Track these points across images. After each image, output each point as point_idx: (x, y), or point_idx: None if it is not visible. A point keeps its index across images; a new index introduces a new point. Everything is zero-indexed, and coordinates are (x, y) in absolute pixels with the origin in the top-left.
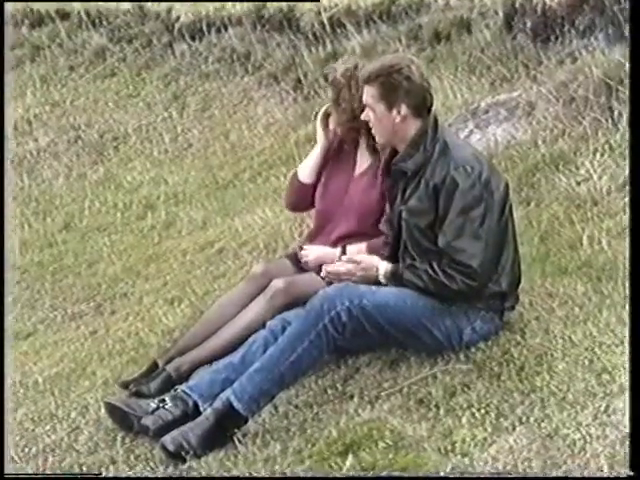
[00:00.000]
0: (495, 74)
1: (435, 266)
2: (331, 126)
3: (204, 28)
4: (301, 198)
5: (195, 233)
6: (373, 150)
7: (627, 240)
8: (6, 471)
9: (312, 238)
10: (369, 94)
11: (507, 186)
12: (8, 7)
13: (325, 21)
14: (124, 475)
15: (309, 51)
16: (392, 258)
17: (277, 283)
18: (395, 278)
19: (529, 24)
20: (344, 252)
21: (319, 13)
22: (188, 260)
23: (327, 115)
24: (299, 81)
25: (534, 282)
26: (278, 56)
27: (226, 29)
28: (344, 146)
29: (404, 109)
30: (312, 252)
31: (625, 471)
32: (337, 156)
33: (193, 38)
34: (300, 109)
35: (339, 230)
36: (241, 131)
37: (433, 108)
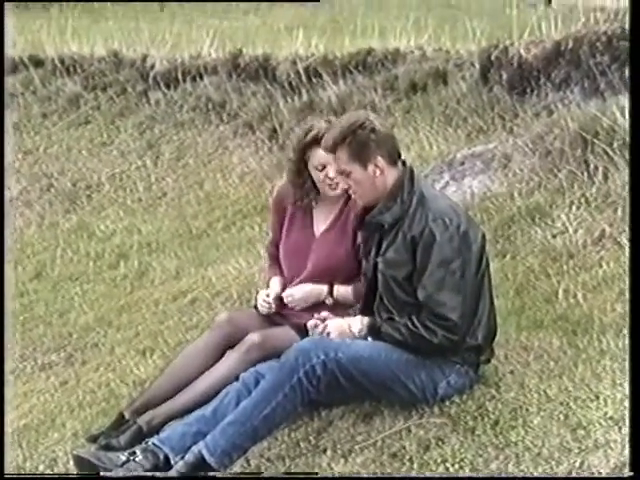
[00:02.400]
0: (471, 125)
1: (415, 320)
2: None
3: (179, 76)
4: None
5: (168, 283)
6: (331, 207)
7: (603, 293)
8: (6, 471)
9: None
10: (341, 160)
11: (484, 238)
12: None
13: (301, 71)
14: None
15: (285, 100)
16: (366, 311)
17: (252, 337)
18: (373, 331)
19: (505, 76)
20: (331, 290)
21: (295, 62)
22: (160, 310)
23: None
24: (274, 130)
25: (509, 335)
26: (254, 105)
27: (201, 78)
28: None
29: (380, 161)
30: (298, 292)
31: (625, 471)
32: (293, 219)
33: (168, 86)
34: (275, 159)
35: (304, 282)
36: (215, 180)
37: (409, 161)
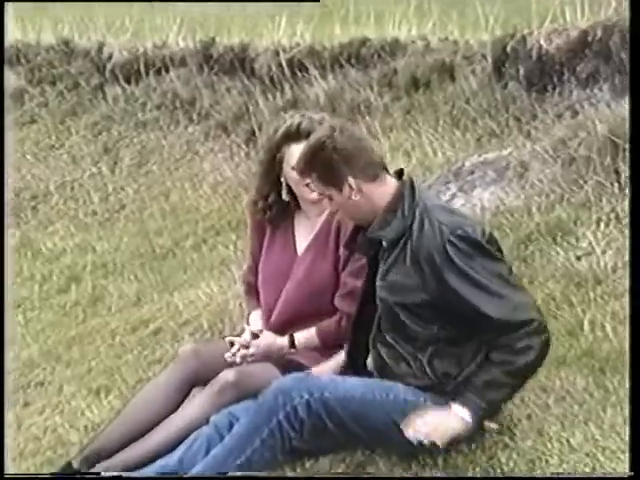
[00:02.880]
0: (482, 128)
1: (500, 352)
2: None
3: (141, 69)
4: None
5: (127, 310)
6: (314, 218)
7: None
8: (6, 471)
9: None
10: (316, 186)
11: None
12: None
13: (284, 63)
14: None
15: (265, 98)
16: (356, 340)
17: (226, 375)
18: (382, 371)
19: (522, 71)
20: (292, 342)
21: (277, 54)
22: (118, 342)
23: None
24: (252, 133)
25: None
26: (228, 103)
27: (167, 70)
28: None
29: (352, 182)
30: (258, 343)
31: (625, 471)
32: (274, 236)
33: (128, 80)
34: (253, 166)
35: (285, 314)
36: (184, 191)
37: (409, 169)
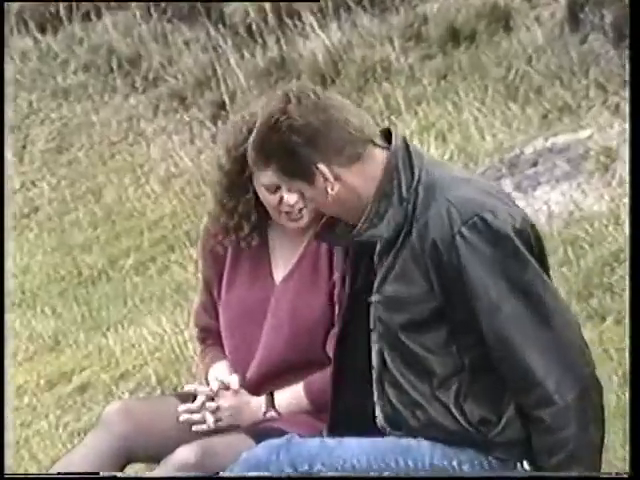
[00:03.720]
0: (550, 101)
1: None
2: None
3: (62, 13)
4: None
5: (41, 357)
6: (295, 240)
7: None
8: (6, 471)
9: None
10: (280, 180)
11: (540, 240)
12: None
13: (267, 7)
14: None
15: (240, 56)
16: (344, 389)
17: (184, 454)
18: (394, 424)
19: (609, 18)
20: (272, 403)
21: None
22: (27, 404)
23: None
24: (222, 106)
25: (615, 455)
26: (187, 63)
27: (99, 15)
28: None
29: (324, 169)
30: (224, 404)
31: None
32: (236, 260)
33: (42, 29)
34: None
35: (263, 366)
36: (122, 187)
37: (394, 133)
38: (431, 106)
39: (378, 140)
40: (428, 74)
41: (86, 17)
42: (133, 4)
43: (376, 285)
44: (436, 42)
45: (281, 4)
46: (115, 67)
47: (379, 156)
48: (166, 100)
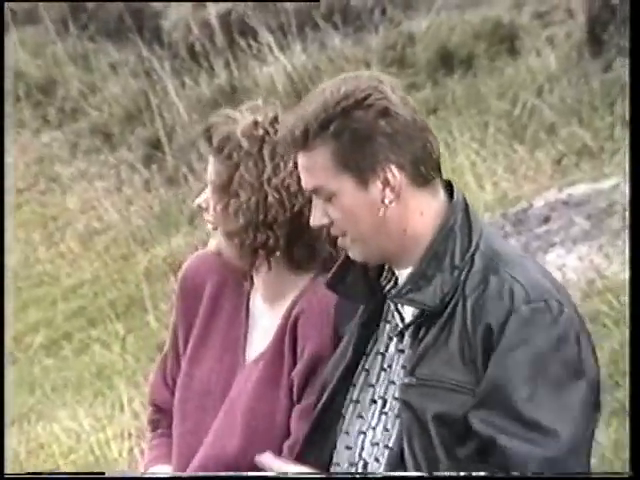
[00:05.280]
0: (564, 142)
1: None
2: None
3: None
4: None
5: None
6: (278, 308)
7: None
8: (6, 471)
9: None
10: (317, 167)
11: (594, 350)
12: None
13: (215, 23)
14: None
15: (180, 83)
16: None
17: None
18: None
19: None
20: None
21: (204, 6)
22: None
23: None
24: (157, 145)
25: None
26: (113, 92)
27: (3, 30)
28: (224, 299)
29: (395, 173)
30: None
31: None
32: (211, 321)
33: None
34: (157, 204)
35: (207, 463)
36: (30, 245)
37: (455, 185)
38: None
39: (441, 181)
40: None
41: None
42: (45, 17)
43: (410, 364)
44: (424, 68)
45: (231, 22)
46: (23, 95)
47: (438, 203)
48: (87, 137)
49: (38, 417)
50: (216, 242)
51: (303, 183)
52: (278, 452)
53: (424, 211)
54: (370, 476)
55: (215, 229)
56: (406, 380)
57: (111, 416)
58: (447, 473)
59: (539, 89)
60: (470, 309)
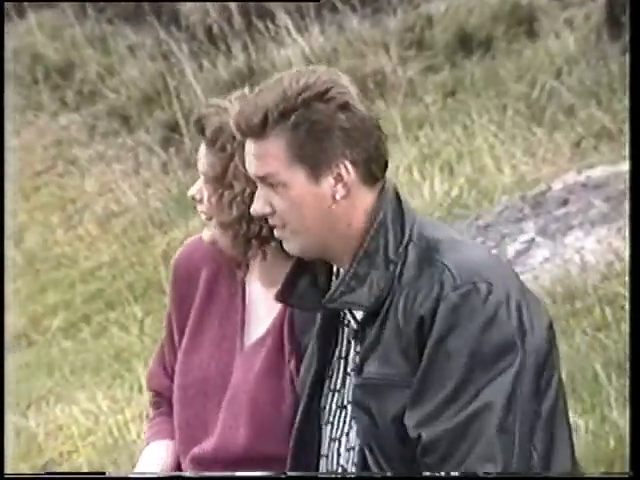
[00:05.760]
0: (583, 124)
1: None
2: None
3: None
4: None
5: None
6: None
7: None
8: (6, 471)
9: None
10: (269, 155)
11: (551, 328)
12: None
13: (233, 8)
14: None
15: (197, 66)
16: None
17: None
18: None
19: None
20: None
21: None
22: None
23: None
24: (175, 128)
25: None
26: (131, 74)
27: (22, 14)
28: (220, 285)
29: (350, 169)
30: None
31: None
32: (205, 310)
33: None
34: (174, 179)
35: (218, 452)
36: (47, 227)
37: (451, 193)
38: (436, 130)
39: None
40: (432, 90)
41: (5, 15)
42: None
43: (356, 364)
44: (442, 50)
45: (250, 5)
46: (41, 78)
47: (365, 194)
48: (105, 120)
49: (57, 399)
50: (210, 232)
51: (250, 169)
52: (285, 441)
53: (367, 209)
54: (368, 476)
55: (209, 220)
56: (355, 381)
57: (129, 398)
58: (437, 473)
59: (558, 71)
60: (403, 302)
